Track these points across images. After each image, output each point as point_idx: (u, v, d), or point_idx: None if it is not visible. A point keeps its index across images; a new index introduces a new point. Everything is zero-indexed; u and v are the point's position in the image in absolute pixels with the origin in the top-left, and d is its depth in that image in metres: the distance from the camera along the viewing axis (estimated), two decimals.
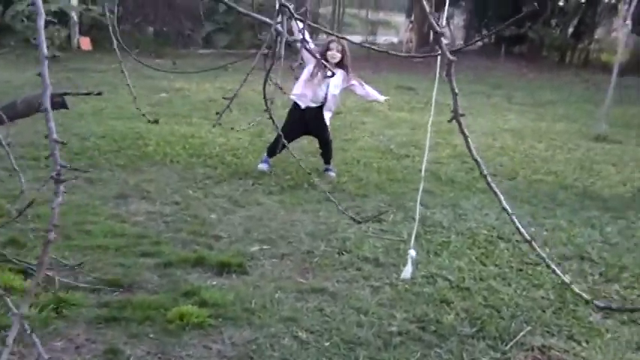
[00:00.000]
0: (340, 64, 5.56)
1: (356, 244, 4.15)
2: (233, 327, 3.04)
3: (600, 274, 3.96)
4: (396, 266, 3.83)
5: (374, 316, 3.22)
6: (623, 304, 3.58)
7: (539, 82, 15.77)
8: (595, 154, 7.66)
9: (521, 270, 3.90)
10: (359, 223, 4.52)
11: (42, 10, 0.84)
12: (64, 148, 5.33)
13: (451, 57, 0.92)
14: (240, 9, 1.24)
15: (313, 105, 5.69)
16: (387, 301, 3.41)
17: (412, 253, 3.51)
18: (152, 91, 9.97)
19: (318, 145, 6.01)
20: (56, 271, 3.33)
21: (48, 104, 0.84)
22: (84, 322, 2.99)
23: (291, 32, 1.60)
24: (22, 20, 12.87)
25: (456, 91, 0.96)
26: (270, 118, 1.17)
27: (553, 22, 20.35)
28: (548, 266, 1.06)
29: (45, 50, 0.85)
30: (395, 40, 23.83)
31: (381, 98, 5.95)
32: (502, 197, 1.05)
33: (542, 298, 3.54)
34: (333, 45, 5.55)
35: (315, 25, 1.37)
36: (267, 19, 1.15)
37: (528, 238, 1.04)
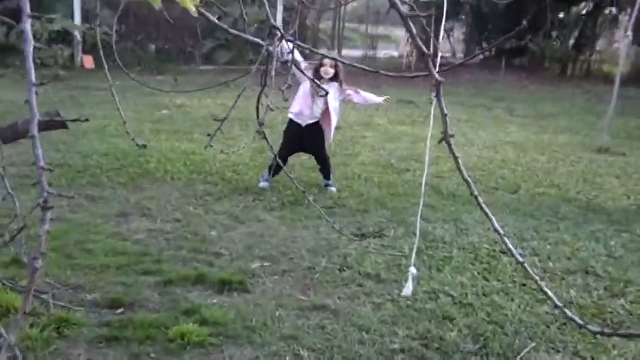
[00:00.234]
0: (334, 79, 5.58)
1: (357, 260, 4.12)
2: (234, 345, 3.01)
3: (605, 289, 3.92)
4: (398, 282, 3.80)
5: (376, 334, 3.19)
6: (629, 319, 3.54)
7: (541, 94, 15.78)
8: (598, 166, 7.63)
9: (524, 285, 3.87)
10: (359, 239, 4.51)
11: (30, 37, 0.83)
12: (65, 166, 5.34)
13: (439, 78, 0.91)
14: (232, 30, 1.23)
15: (310, 121, 5.69)
16: (388, 317, 3.38)
17: (413, 270, 3.48)
18: (154, 108, 10.00)
19: (315, 161, 6.01)
20: (57, 290, 3.32)
21: (35, 132, 0.83)
22: (85, 341, 2.97)
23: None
24: None
25: (446, 112, 0.95)
26: (264, 138, 1.16)
27: (554, 34, 20.41)
28: (540, 288, 1.03)
29: (33, 78, 0.84)
30: (395, 53, 23.92)
31: (380, 99, 5.95)
32: (494, 218, 1.03)
33: (547, 313, 3.51)
34: (326, 60, 5.57)
35: (305, 46, 1.35)
36: (259, 40, 1.15)
37: (521, 260, 1.02)
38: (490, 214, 1.01)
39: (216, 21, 1.18)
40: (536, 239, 4.76)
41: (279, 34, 1.11)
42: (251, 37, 1.16)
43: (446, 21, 4.02)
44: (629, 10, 15.11)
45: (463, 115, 11.28)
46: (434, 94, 0.94)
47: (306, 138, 5.73)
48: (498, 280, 3.95)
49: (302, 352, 2.97)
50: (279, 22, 16.64)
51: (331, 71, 5.53)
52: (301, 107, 5.60)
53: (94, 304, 3.33)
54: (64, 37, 14.10)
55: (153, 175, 5.98)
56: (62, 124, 3.10)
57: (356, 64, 1.41)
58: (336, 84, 5.61)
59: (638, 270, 4.25)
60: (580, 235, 4.92)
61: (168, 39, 17.27)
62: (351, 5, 23.21)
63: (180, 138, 7.83)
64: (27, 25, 0.86)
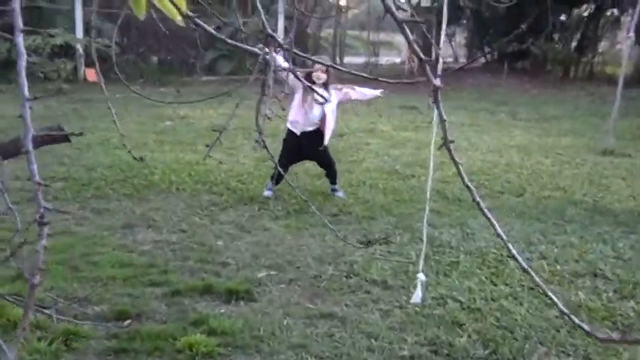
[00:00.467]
0: (327, 84, 5.58)
1: (364, 267, 4.11)
2: (242, 355, 3.01)
3: (615, 291, 3.90)
4: (405, 289, 3.79)
5: (384, 341, 3.18)
6: (639, 321, 3.52)
7: (544, 97, 15.76)
8: (603, 168, 7.60)
9: (532, 289, 3.85)
10: (364, 246, 4.50)
11: (23, 51, 0.83)
12: (70, 179, 5.35)
13: (437, 84, 0.91)
14: (229, 40, 1.24)
15: (309, 129, 5.68)
16: (397, 324, 3.37)
17: (421, 276, 3.47)
18: (157, 119, 10.03)
19: (320, 168, 6.00)
20: (63, 304, 3.32)
21: (30, 147, 0.83)
22: (93, 354, 2.98)
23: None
24: (29, 55, 13.04)
25: (445, 117, 0.95)
26: (264, 147, 1.16)
27: (555, 36, 20.40)
28: (546, 294, 1.03)
29: (26, 92, 0.85)
30: (397, 60, 23.93)
31: (377, 92, 5.94)
32: (497, 224, 1.02)
33: (556, 317, 3.49)
34: (317, 65, 5.56)
35: (302, 55, 1.36)
36: (256, 49, 1.15)
37: (526, 266, 1.01)
38: (493, 220, 1.00)
39: (213, 32, 1.19)
40: (544, 243, 4.74)
41: (275, 43, 1.11)
42: (248, 47, 1.17)
43: (447, 26, 4.03)
44: (630, 11, 15.10)
45: (467, 120, 11.28)
46: (432, 99, 0.94)
47: (304, 146, 5.71)
48: (506, 285, 3.93)
49: None
50: (280, 31, 16.70)
51: (323, 76, 5.52)
52: (296, 115, 5.60)
53: (101, 317, 3.33)
54: (66, 50, 14.17)
55: (158, 187, 5.99)
56: (64, 138, 3.11)
57: (355, 72, 1.41)
58: (332, 90, 5.61)
59: None
60: (587, 237, 4.90)
61: (170, 51, 17.33)
62: (353, 12, 23.29)
63: (184, 149, 7.85)
64: (19, 39, 0.86)
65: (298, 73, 1.29)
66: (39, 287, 0.80)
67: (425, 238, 3.56)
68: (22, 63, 0.83)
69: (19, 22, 0.87)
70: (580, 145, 9.19)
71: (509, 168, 7.40)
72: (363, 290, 3.79)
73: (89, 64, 15.05)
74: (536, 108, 13.58)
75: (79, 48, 14.78)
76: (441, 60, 3.75)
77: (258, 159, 7.13)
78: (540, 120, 11.94)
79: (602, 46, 21.60)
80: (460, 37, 24.98)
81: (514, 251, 1.08)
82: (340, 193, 5.81)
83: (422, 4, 18.56)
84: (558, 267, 4.26)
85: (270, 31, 1.08)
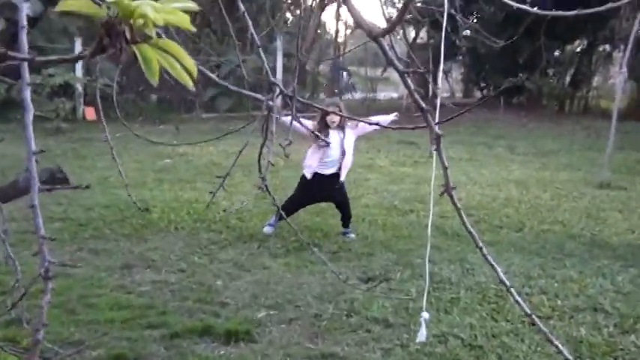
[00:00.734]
0: (342, 124, 5.62)
1: (364, 305, 4.09)
2: None
3: (615, 326, 3.88)
4: (406, 326, 3.77)
5: None
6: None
7: (541, 131, 15.88)
8: (601, 201, 7.63)
9: (533, 325, 3.81)
10: (365, 283, 4.48)
11: (30, 106, 0.86)
12: (68, 220, 5.33)
13: (439, 132, 0.93)
14: (232, 87, 1.26)
15: (327, 172, 5.67)
16: None
17: (425, 315, 3.44)
18: (156, 157, 10.07)
19: (336, 208, 5.96)
20: (60, 349, 3.28)
21: (36, 201, 0.84)
22: None
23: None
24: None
25: (446, 164, 0.97)
26: (267, 191, 1.18)
27: (550, 72, 20.67)
28: (550, 341, 1.03)
29: (33, 146, 0.86)
30: (395, 95, 24.16)
31: (391, 117, 5.97)
32: (499, 269, 1.03)
33: (558, 353, 3.44)
34: (330, 108, 5.62)
35: (305, 101, 1.38)
36: (259, 95, 1.18)
37: (528, 311, 1.02)
38: (496, 266, 1.01)
39: (216, 78, 1.22)
40: (543, 277, 4.73)
41: (278, 90, 1.14)
42: (251, 93, 1.19)
43: (444, 62, 4.10)
44: (622, 47, 15.34)
45: (465, 154, 11.34)
46: (434, 147, 0.96)
47: (321, 189, 5.69)
48: (507, 321, 3.91)
49: None
50: (279, 69, 16.89)
51: (337, 118, 5.57)
52: (311, 162, 5.63)
53: None
54: (65, 89, 14.30)
55: (156, 226, 5.98)
56: (64, 180, 3.13)
57: (355, 117, 1.43)
58: (345, 129, 5.63)
59: None
60: (587, 271, 4.89)
61: (169, 89, 17.50)
62: (350, 47, 23.58)
63: (183, 187, 7.87)
64: (26, 92, 0.89)
65: (312, 121, 1.31)
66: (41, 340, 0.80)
67: (428, 277, 3.55)
68: (30, 117, 0.85)
69: (27, 75, 0.89)
70: (577, 179, 9.23)
71: (508, 202, 7.42)
72: (364, 329, 3.76)
73: (88, 103, 15.19)
74: (534, 142, 13.67)
75: (79, 87, 14.93)
76: (439, 97, 3.80)
77: (257, 197, 7.14)
78: (538, 154, 12.01)
79: (596, 80, 21.90)
80: (456, 73, 25.29)
81: (517, 297, 1.08)
82: (352, 235, 5.78)
83: (418, 41, 18.85)
84: (559, 302, 4.24)
85: (272, 78, 1.10)
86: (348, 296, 4.25)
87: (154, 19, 0.68)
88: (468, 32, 12.67)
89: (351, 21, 24.66)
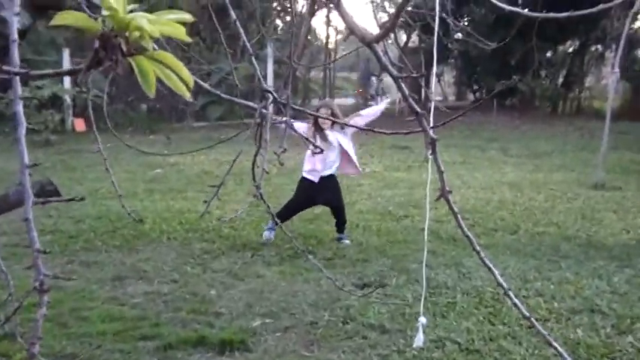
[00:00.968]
0: (334, 126, 5.64)
1: (360, 312, 4.10)
2: None
3: (612, 327, 3.91)
4: (403, 332, 3.78)
5: None
6: (638, 357, 3.52)
7: (534, 133, 15.97)
8: (595, 202, 7.68)
9: (530, 327, 3.84)
10: (361, 289, 4.49)
11: (23, 120, 0.87)
12: (58, 232, 5.32)
13: (434, 136, 0.95)
14: (224, 95, 1.28)
15: (326, 174, 5.73)
16: None
17: (422, 320, 3.46)
18: (147, 167, 10.06)
19: (332, 213, 5.97)
20: None
21: (30, 215, 0.85)
22: None
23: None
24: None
25: (442, 169, 0.99)
26: (262, 199, 1.19)
27: (542, 73, 20.81)
28: (549, 343, 1.05)
29: (26, 159, 0.87)
30: (388, 100, 24.22)
31: (383, 105, 6.02)
32: (497, 273, 1.05)
33: (555, 355, 3.48)
34: (322, 111, 5.65)
35: (297, 108, 1.40)
36: (251, 103, 1.19)
37: (526, 313, 1.04)
38: (494, 269, 1.03)
39: (209, 87, 1.23)
40: (539, 280, 4.76)
41: (271, 97, 1.16)
42: (244, 101, 1.21)
43: (436, 65, 4.13)
44: (614, 46, 15.48)
45: (458, 157, 11.39)
46: (429, 151, 0.98)
47: (320, 191, 5.73)
48: (504, 324, 3.93)
49: None
50: (270, 76, 16.92)
51: (328, 121, 5.59)
52: (313, 165, 5.66)
53: None
54: (54, 101, 14.28)
55: (148, 236, 5.98)
56: (55, 192, 3.13)
57: (347, 123, 1.45)
58: (342, 130, 5.66)
59: None
60: (583, 273, 4.92)
61: (159, 98, 17.50)
62: (342, 53, 23.67)
63: (174, 197, 7.86)
64: (19, 106, 0.90)
65: (305, 123, 1.33)
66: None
67: (424, 282, 3.56)
68: (22, 131, 0.86)
69: (18, 89, 0.90)
70: (571, 180, 9.29)
71: (503, 205, 7.46)
72: (360, 335, 3.77)
73: (77, 114, 15.17)
74: (527, 144, 13.75)
75: (67, 99, 14.91)
76: (432, 101, 3.83)
77: (250, 204, 7.14)
78: (531, 156, 12.08)
79: (589, 81, 22.07)
80: (448, 76, 25.43)
81: (515, 300, 1.10)
82: (347, 241, 5.80)
83: (409, 45, 18.94)
84: (555, 304, 4.26)
85: (265, 85, 1.12)
86: (343, 303, 4.26)
87: (150, 31, 0.69)
88: (459, 35, 12.75)
89: (341, 26, 24.77)
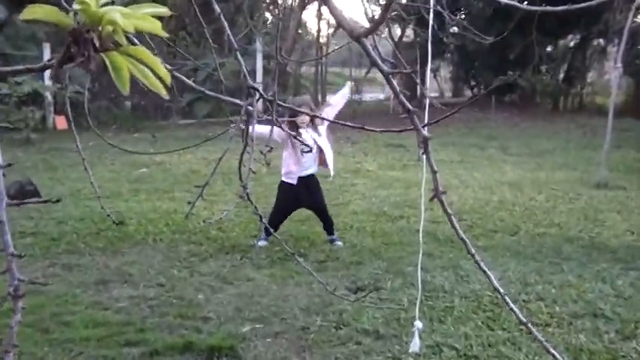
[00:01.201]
0: (313, 122, 5.66)
1: (354, 316, 4.10)
2: None
3: (616, 332, 3.92)
4: (398, 337, 3.78)
5: None
6: None
7: (534, 130, 16.03)
8: (598, 202, 7.71)
9: (530, 333, 3.85)
10: (354, 293, 4.49)
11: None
12: (39, 234, 5.30)
13: (426, 134, 0.95)
14: (209, 92, 1.28)
15: (303, 174, 5.74)
16: None
17: (418, 324, 3.46)
18: (132, 167, 10.03)
19: (316, 215, 5.99)
20: None
21: (4, 217, 0.85)
22: None
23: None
24: None
25: (435, 169, 0.99)
26: (249, 200, 1.19)
27: (543, 68, 20.88)
28: (547, 351, 1.05)
29: None
30: (381, 96, 24.26)
31: (347, 88, 6.08)
32: (494, 276, 1.05)
33: None
34: (302, 107, 5.65)
35: (285, 105, 1.41)
36: (237, 101, 1.19)
37: (523, 319, 1.04)
38: (489, 273, 1.03)
39: (192, 84, 1.23)
40: (541, 283, 4.77)
41: (257, 95, 1.16)
42: (229, 99, 1.21)
43: (431, 61, 4.14)
44: (616, 41, 15.55)
45: (456, 156, 11.42)
46: (422, 150, 0.98)
47: (302, 193, 5.76)
48: (504, 329, 3.94)
49: None
50: (259, 71, 16.90)
51: (307, 118, 5.60)
52: (289, 167, 5.68)
53: None
54: (34, 98, 14.20)
55: (133, 238, 5.96)
56: (34, 193, 3.12)
57: (345, 123, 1.45)
58: (317, 126, 5.69)
59: None
60: (585, 275, 4.94)
61: (143, 95, 17.44)
62: (334, 48, 23.65)
63: (160, 197, 7.84)
64: None
65: (283, 125, 1.33)
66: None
67: (420, 285, 3.57)
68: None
69: None
70: (573, 179, 9.32)
71: (502, 205, 7.48)
72: (354, 341, 3.77)
73: (58, 111, 15.10)
74: (527, 142, 13.79)
75: (48, 96, 14.83)
76: (427, 98, 3.84)
77: (239, 205, 7.13)
78: (532, 154, 12.12)
79: (591, 76, 22.16)
80: (445, 72, 25.47)
81: (512, 305, 1.11)
82: (340, 243, 5.81)
83: (404, 40, 18.97)
84: (557, 308, 4.28)
85: (250, 81, 1.12)
86: (336, 307, 4.26)
87: (124, 25, 0.69)
88: (455, 29, 12.77)
89: (333, 20, 24.76)
